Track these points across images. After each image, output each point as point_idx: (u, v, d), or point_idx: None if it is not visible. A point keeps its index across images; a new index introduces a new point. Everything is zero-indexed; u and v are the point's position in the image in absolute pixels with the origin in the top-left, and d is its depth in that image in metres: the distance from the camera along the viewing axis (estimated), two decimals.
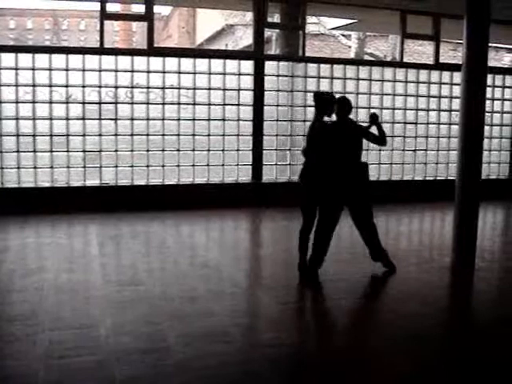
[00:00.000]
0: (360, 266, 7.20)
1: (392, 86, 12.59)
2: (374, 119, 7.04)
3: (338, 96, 7.02)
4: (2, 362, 4.54)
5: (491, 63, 10.02)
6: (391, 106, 12.54)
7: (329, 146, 6.67)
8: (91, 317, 5.39)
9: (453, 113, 12.82)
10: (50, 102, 10.52)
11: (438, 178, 12.99)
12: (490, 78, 11.88)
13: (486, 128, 11.09)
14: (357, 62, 15.77)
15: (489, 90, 12.02)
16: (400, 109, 12.64)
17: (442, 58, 13.38)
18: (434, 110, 12.96)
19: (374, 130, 6.99)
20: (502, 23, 12.35)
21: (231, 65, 11.45)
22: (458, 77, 11.18)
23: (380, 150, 12.28)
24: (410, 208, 11.44)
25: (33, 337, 4.89)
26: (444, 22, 12.39)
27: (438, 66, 12.90)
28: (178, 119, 11.15)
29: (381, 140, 7.05)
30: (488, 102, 11.48)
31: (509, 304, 6.31)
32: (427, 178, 12.98)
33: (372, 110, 7.76)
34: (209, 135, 11.33)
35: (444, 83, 12.95)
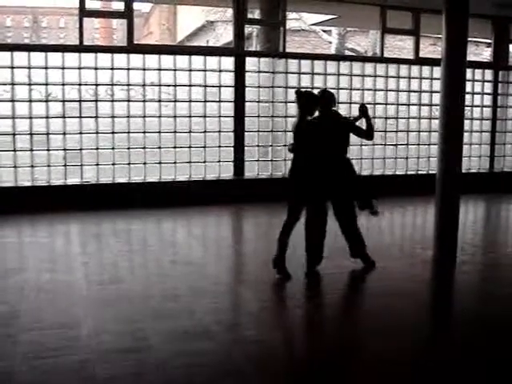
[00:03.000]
0: (341, 261, 7.21)
1: (373, 81, 12.63)
2: (363, 111, 6.92)
3: (317, 91, 7.04)
4: None
5: (471, 58, 10.11)
6: (372, 101, 12.55)
7: (317, 143, 6.53)
8: (73, 316, 5.35)
9: (433, 107, 12.87)
10: (30, 101, 10.43)
11: (420, 172, 13.05)
12: (469, 73, 11.99)
13: (467, 122, 11.18)
14: (337, 57, 15.81)
15: (469, 84, 12.10)
16: (381, 104, 12.67)
17: (422, 53, 13.43)
18: (414, 105, 13.02)
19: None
20: (481, 17, 12.43)
21: (212, 61, 11.41)
22: (437, 71, 11.17)
23: (361, 145, 12.32)
24: (391, 202, 11.47)
25: (13, 337, 4.84)
26: (424, 16, 12.43)
27: (418, 60, 12.95)
28: (159, 116, 11.11)
29: (368, 134, 6.95)
30: (468, 96, 11.53)
31: (490, 297, 6.34)
32: (408, 173, 13.03)
33: (363, 103, 7.63)
34: (190, 132, 11.29)
35: (424, 78, 13.01)
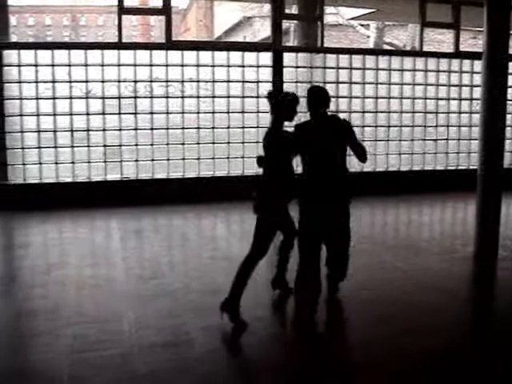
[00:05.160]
0: (380, 256, 7.16)
1: (412, 76, 12.49)
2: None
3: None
4: (27, 357, 4.58)
5: None
6: (411, 96, 12.43)
7: (306, 154, 5.40)
8: (114, 311, 5.42)
9: (474, 101, 12.69)
10: (70, 98, 10.57)
11: (460, 168, 12.87)
12: (511, 66, 11.76)
13: (508, 116, 10.96)
14: (376, 51, 15.66)
15: (510, 77, 11.87)
16: (420, 98, 12.52)
17: (462, 47, 13.23)
18: (454, 99, 12.83)
19: None
20: None
21: (250, 57, 11.41)
22: (478, 65, 11.05)
23: (400, 140, 12.23)
24: (431, 198, 11.36)
25: (56, 331, 4.93)
26: (464, 9, 12.24)
27: (459, 54, 12.76)
28: (198, 112, 11.15)
29: (360, 154, 5.48)
30: (510, 90, 11.32)
31: None
32: (449, 168, 12.86)
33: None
34: (228, 128, 11.31)
35: (464, 72, 12.81)
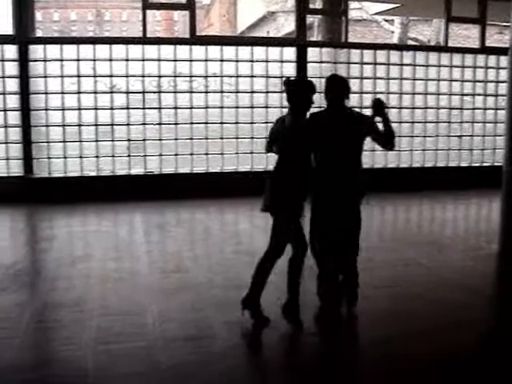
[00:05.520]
0: (403, 253, 7.12)
1: (437, 71, 12.38)
2: (378, 108, 5.15)
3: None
4: (52, 348, 4.64)
5: None
6: (436, 92, 12.34)
7: (321, 147, 5.09)
8: (138, 304, 5.45)
9: (499, 97, 12.56)
10: (95, 92, 10.64)
11: (485, 164, 12.76)
12: None
13: None
14: (400, 47, 15.56)
15: None
16: (445, 94, 12.43)
17: (488, 42, 13.10)
18: (480, 95, 12.71)
19: None
20: None
21: (273, 52, 11.40)
22: (504, 61, 10.95)
23: (425, 136, 12.16)
24: (455, 194, 11.27)
25: (81, 323, 4.97)
26: (490, 4, 12.12)
27: (484, 49, 12.63)
28: (221, 107, 11.17)
29: (386, 139, 5.22)
30: None
31: None
32: (473, 164, 12.75)
33: (377, 96, 5.83)
34: (252, 123, 11.32)
35: (490, 67, 12.68)
